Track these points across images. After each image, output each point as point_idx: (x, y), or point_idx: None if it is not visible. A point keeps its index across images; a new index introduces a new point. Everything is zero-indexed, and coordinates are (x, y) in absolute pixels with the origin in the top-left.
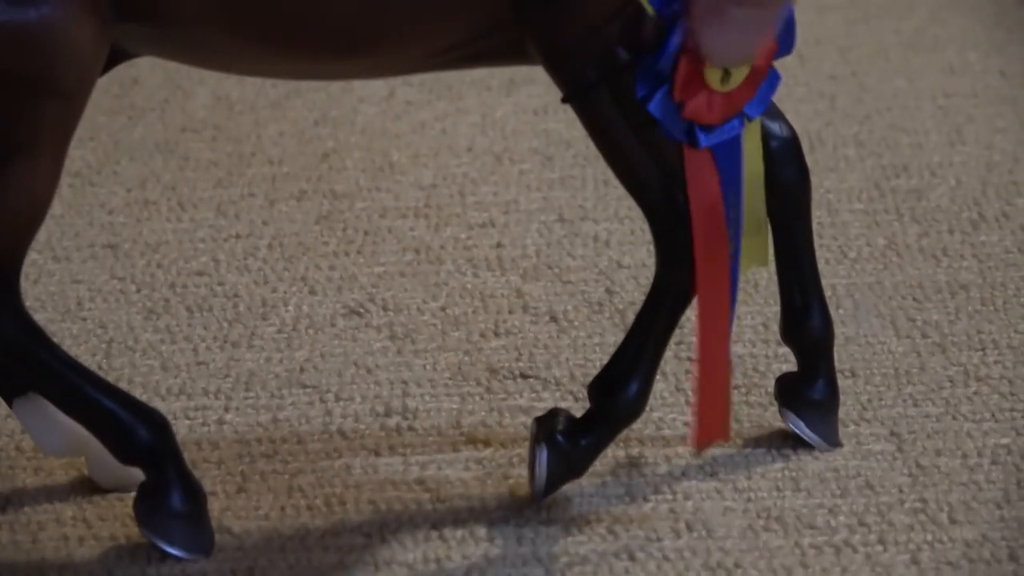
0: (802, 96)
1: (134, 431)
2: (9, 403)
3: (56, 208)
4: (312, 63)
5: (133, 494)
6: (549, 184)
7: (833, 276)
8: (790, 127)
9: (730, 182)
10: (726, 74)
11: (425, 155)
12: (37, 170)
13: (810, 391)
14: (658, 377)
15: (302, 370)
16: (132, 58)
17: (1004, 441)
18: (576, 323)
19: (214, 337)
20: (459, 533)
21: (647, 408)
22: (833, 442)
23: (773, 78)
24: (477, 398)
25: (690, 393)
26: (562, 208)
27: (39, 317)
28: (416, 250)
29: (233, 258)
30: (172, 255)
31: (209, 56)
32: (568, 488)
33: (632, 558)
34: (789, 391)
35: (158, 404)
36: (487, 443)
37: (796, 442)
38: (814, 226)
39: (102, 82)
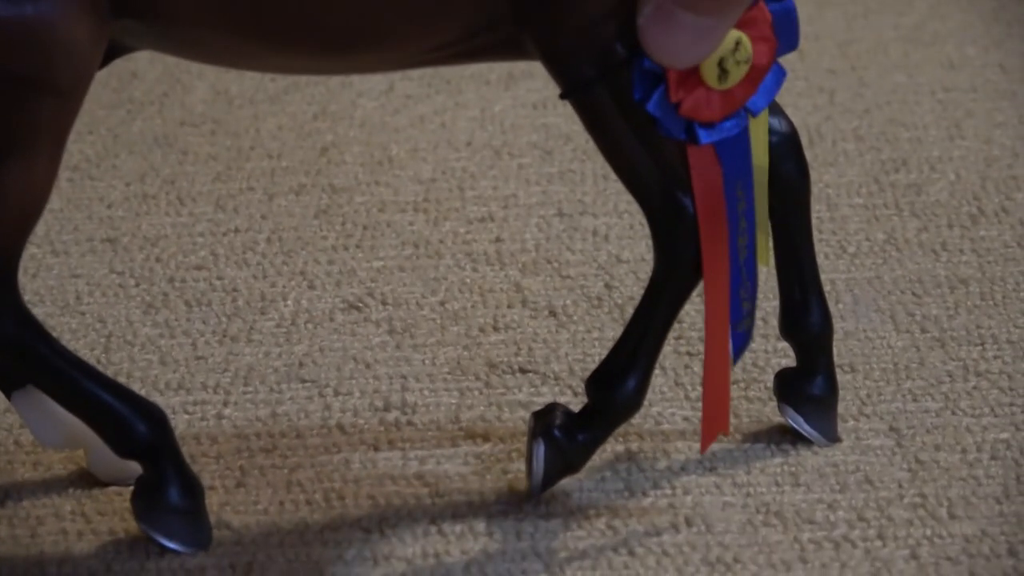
0: (801, 91)
1: (132, 425)
2: (8, 396)
3: (55, 202)
4: (310, 59)
5: (132, 488)
6: (548, 178)
7: (832, 271)
8: (789, 122)
9: (738, 176)
10: (723, 72)
11: (424, 149)
12: (34, 167)
13: (809, 386)
14: (657, 372)
15: (301, 365)
16: (130, 52)
17: (1004, 436)
18: (575, 318)
19: (213, 331)
20: (458, 528)
21: (646, 403)
22: (832, 437)
23: (778, 73)
24: (476, 393)
25: (692, 389)
26: (561, 202)
27: (38, 312)
28: (415, 244)
29: (232, 252)
30: (171, 249)
31: (207, 51)
32: (567, 483)
33: (631, 553)
34: (788, 386)
35: (157, 399)
36: (486, 438)
37: (795, 437)
38: (813, 221)
39: (101, 76)
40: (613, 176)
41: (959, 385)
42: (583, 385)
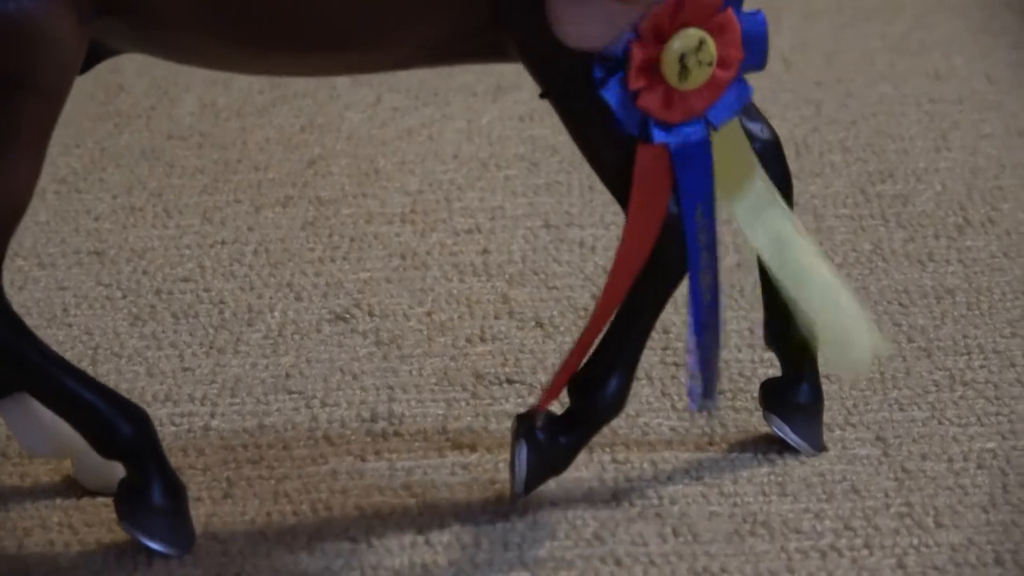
0: (788, 102)
1: (116, 426)
2: None
3: (42, 215)
4: (289, 58)
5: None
6: (535, 190)
7: None
8: (771, 129)
9: (697, 197)
10: (684, 70)
11: (411, 161)
12: (15, 167)
13: (795, 395)
14: (644, 382)
15: (288, 376)
16: (113, 55)
17: (990, 445)
18: (562, 328)
19: (200, 343)
20: (445, 538)
21: (633, 413)
22: (818, 446)
23: (743, 90)
24: (463, 403)
25: (678, 399)
26: (548, 214)
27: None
28: (402, 256)
29: (219, 264)
30: (158, 261)
31: (188, 52)
32: (554, 493)
33: (618, 563)
34: (774, 395)
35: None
36: (473, 448)
37: (782, 446)
38: None
39: (88, 88)
40: (600, 187)
41: (945, 395)
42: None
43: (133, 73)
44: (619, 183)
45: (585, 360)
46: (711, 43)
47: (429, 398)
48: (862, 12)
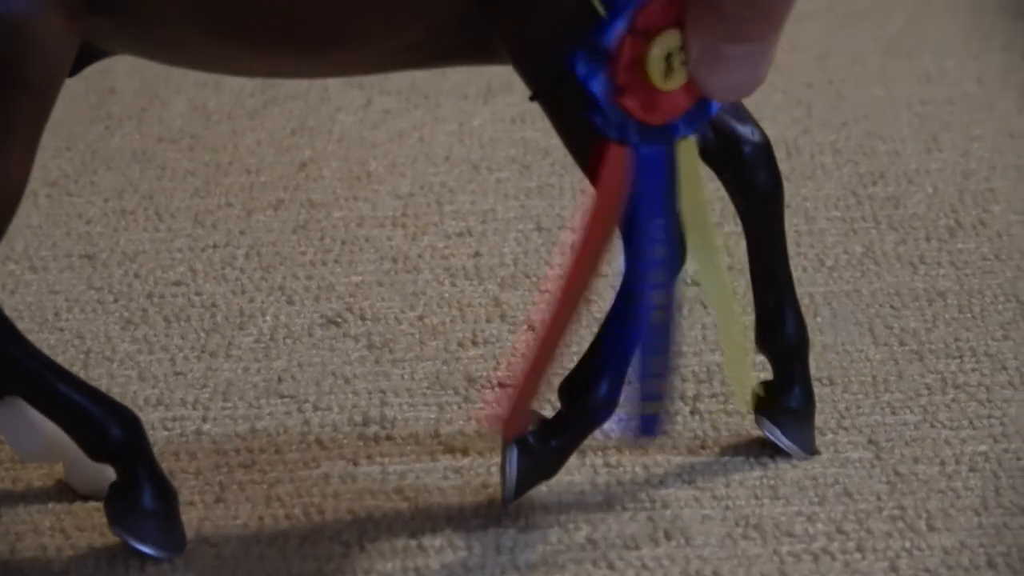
0: (779, 104)
1: (106, 428)
2: None
3: (33, 218)
4: (278, 58)
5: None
6: (527, 193)
7: (811, 284)
8: (762, 132)
9: (652, 211)
10: (669, 69)
11: (402, 164)
12: (6, 164)
13: (786, 399)
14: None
15: (280, 380)
16: (104, 57)
17: (982, 448)
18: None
19: (191, 347)
20: (438, 542)
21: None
22: (810, 450)
23: (707, 104)
24: (455, 407)
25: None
26: (540, 217)
27: None
28: (393, 259)
29: (211, 268)
30: (149, 265)
31: (176, 52)
32: (546, 496)
33: (611, 566)
34: (765, 399)
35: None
36: (465, 452)
37: (774, 450)
38: (791, 234)
39: (79, 91)
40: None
41: (937, 398)
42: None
43: (124, 76)
44: None
45: (577, 364)
46: None
47: (421, 402)
48: (853, 14)
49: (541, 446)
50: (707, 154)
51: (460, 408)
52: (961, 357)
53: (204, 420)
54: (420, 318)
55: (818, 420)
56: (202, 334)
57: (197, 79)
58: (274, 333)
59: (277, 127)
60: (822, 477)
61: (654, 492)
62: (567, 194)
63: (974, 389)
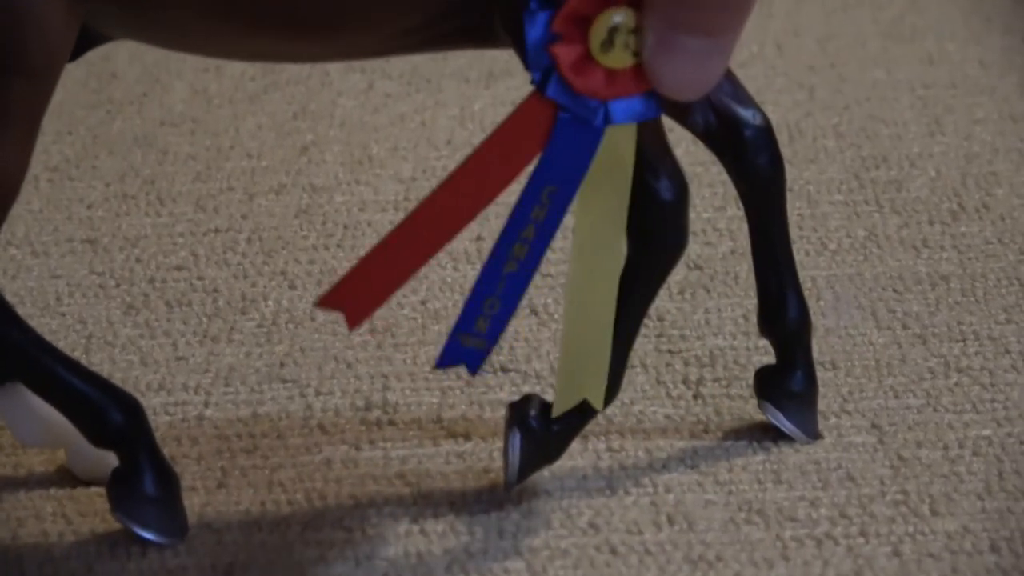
0: (781, 87)
1: (107, 413)
2: None
3: (34, 203)
4: (278, 42)
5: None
6: (528, 176)
7: (813, 268)
8: (763, 115)
9: (554, 180)
10: (609, 44)
11: (404, 148)
12: (6, 150)
13: (789, 382)
14: (639, 370)
15: (282, 365)
16: (105, 42)
17: (985, 432)
18: (556, 316)
19: (193, 332)
20: (440, 527)
21: (628, 401)
22: (813, 434)
23: (650, 105)
24: (458, 392)
25: (673, 387)
26: None
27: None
28: None
29: (212, 252)
30: (151, 250)
31: (176, 35)
32: (549, 482)
33: (614, 551)
34: (768, 383)
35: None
36: (468, 437)
37: (777, 435)
38: (794, 218)
39: (79, 76)
40: None
41: (940, 382)
42: None
43: (125, 60)
44: None
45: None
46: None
47: (423, 386)
48: None
49: (544, 430)
50: (709, 137)
51: (463, 393)
52: (964, 341)
53: (206, 405)
54: (422, 302)
55: (821, 404)
56: (204, 319)
57: (198, 64)
58: (276, 318)
59: (279, 111)
60: (825, 462)
61: (657, 477)
62: None
63: (977, 373)
